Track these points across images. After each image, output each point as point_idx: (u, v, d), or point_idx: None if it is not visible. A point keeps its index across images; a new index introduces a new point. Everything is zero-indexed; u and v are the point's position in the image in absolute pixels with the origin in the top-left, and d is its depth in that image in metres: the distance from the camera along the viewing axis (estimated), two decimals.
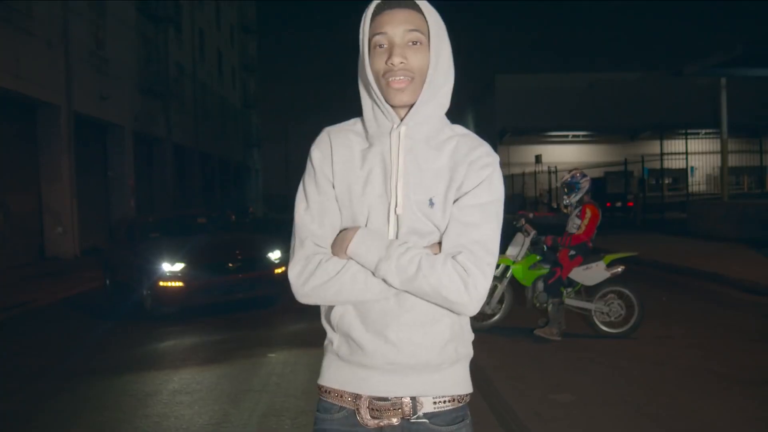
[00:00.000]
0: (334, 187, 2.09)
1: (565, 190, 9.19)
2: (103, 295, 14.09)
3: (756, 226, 18.97)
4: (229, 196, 52.42)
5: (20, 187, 21.28)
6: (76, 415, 6.66)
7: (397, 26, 1.97)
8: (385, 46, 1.99)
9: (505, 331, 9.34)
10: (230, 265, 11.65)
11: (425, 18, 2.00)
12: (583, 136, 55.85)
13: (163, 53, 35.48)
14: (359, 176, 2.07)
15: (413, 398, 2.03)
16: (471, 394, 2.17)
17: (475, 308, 1.96)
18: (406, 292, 1.96)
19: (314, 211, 2.08)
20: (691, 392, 6.64)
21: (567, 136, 55.76)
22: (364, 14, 2.02)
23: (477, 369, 7.50)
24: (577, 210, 8.99)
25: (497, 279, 9.31)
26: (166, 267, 11.24)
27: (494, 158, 2.08)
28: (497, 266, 9.29)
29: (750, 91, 41.11)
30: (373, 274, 1.96)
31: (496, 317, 9.48)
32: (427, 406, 2.04)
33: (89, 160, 25.89)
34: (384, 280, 1.95)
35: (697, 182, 32.54)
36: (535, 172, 42.86)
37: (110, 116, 27.23)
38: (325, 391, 2.13)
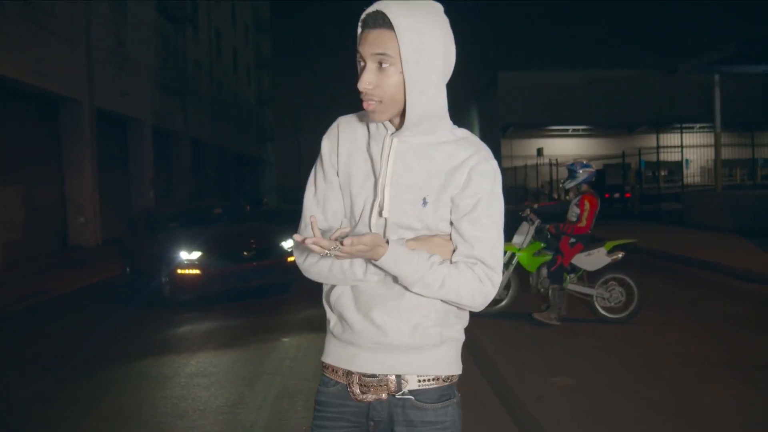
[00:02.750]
0: (338, 175, 2.12)
1: (567, 175, 9.25)
2: (124, 283, 14.10)
3: (748, 217, 18.91)
4: (243, 188, 52.53)
5: (44, 180, 21.33)
6: (98, 398, 6.67)
7: (366, 47, 1.92)
8: (362, 64, 1.95)
9: (509, 316, 9.32)
10: (245, 253, 11.65)
11: (397, 39, 1.88)
12: (583, 130, 55.84)
13: (181, 51, 35.51)
14: (361, 168, 2.09)
15: (398, 376, 2.05)
16: (459, 375, 2.16)
17: (480, 309, 2.06)
18: None
19: (319, 197, 2.14)
20: (686, 377, 6.61)
21: (567, 130, 55.74)
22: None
23: (480, 352, 7.52)
24: (576, 199, 8.97)
25: (503, 266, 9.31)
26: (184, 255, 11.25)
27: (495, 167, 2.06)
28: (504, 253, 9.30)
29: (743, 87, 40.99)
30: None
31: (504, 303, 9.48)
32: (412, 384, 2.06)
33: (110, 153, 25.95)
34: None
35: (691, 174, 32.51)
36: (536, 164, 42.75)
37: (130, 112, 27.31)
38: (325, 367, 2.18)
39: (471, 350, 7.69)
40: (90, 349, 8.83)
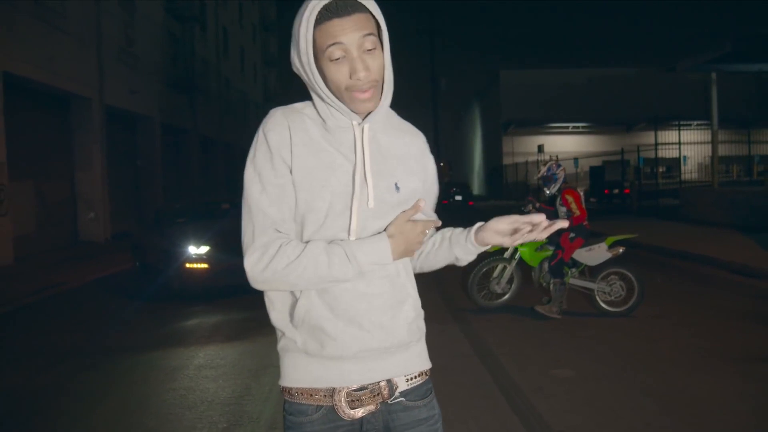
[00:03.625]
0: (291, 171, 1.91)
1: (542, 183, 9.18)
2: (133, 277, 14.10)
3: (744, 212, 18.89)
4: None
5: (55, 176, 21.38)
6: (107, 389, 6.69)
7: (351, 34, 1.80)
8: (341, 57, 1.82)
9: (510, 310, 9.33)
10: None
11: (375, 18, 1.85)
12: (583, 127, 55.85)
13: (189, 50, 35.50)
14: (321, 161, 1.91)
15: (389, 380, 1.96)
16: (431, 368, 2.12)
17: None
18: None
19: (272, 194, 1.91)
20: (683, 368, 6.61)
21: (567, 127, 55.74)
22: (304, 18, 1.82)
23: (482, 344, 7.54)
24: (558, 199, 8.96)
25: (507, 260, 9.34)
26: (192, 250, 11.26)
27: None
28: (507, 248, 9.35)
29: (739, 85, 40.95)
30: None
31: (506, 296, 9.49)
32: (402, 385, 1.98)
33: (120, 150, 25.97)
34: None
35: (689, 171, 32.39)
36: (537, 161, 42.71)
37: (139, 109, 27.33)
38: (294, 393, 1.98)
39: (473, 342, 7.71)
40: (100, 341, 8.85)
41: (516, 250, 9.32)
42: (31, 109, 19.90)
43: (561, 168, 9.11)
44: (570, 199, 8.79)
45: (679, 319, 8.80)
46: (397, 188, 1.96)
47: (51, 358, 8.02)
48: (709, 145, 24.09)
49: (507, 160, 53.96)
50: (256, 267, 1.86)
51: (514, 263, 9.36)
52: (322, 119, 1.95)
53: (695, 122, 38.67)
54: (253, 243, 1.89)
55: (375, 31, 1.85)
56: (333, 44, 1.81)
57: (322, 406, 1.94)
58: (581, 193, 8.97)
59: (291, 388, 1.99)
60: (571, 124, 55.43)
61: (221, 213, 14.08)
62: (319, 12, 1.80)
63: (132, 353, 8.01)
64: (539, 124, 54.44)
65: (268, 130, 1.94)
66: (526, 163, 45.57)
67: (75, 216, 22.61)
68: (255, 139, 1.99)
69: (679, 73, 39.33)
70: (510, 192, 50.03)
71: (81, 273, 15.16)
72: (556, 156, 9.91)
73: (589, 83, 52.36)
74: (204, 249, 11.28)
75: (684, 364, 6.78)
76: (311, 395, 1.94)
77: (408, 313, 1.98)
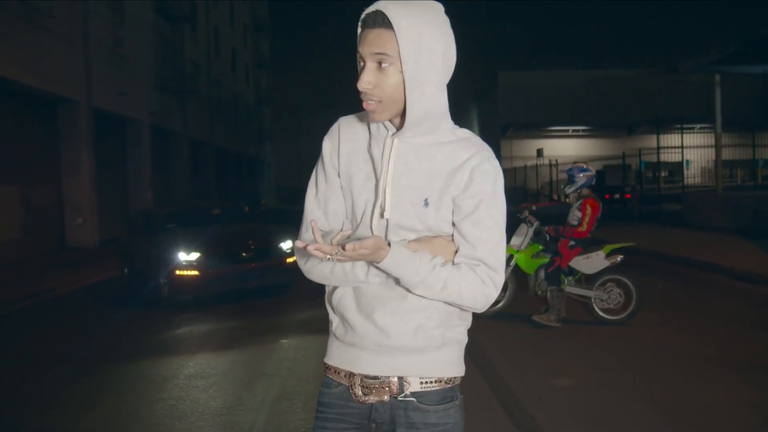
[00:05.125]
0: (339, 176, 2.13)
1: (566, 179, 9.28)
2: (122, 284, 14.10)
3: (749, 217, 18.91)
4: (242, 189, 52.49)
5: (42, 180, 21.34)
6: (96, 400, 6.68)
7: (366, 47, 1.92)
8: (362, 65, 1.95)
9: (507, 318, 9.33)
10: (244, 254, 11.65)
11: (396, 38, 1.88)
12: (583, 130, 55.87)
13: (179, 51, 35.53)
14: (361, 169, 2.08)
15: (400, 378, 2.06)
16: (462, 377, 2.17)
17: (482, 311, 2.06)
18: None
19: (320, 198, 2.15)
20: (686, 377, 6.62)
21: (567, 130, 55.77)
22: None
23: (480, 354, 7.53)
24: (578, 203, 8.98)
25: None
26: (183, 256, 11.26)
27: (497, 167, 2.05)
28: None
29: (743, 87, 41.00)
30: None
31: (501, 304, 9.48)
32: (414, 386, 2.06)
33: (108, 153, 25.92)
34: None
35: (692, 175, 32.53)
36: (536, 165, 42.73)
37: (128, 111, 27.30)
38: (327, 368, 2.19)
39: (471, 352, 7.68)
40: (88, 350, 8.84)
41: (511, 256, 9.33)
42: (16, 112, 19.89)
43: (585, 173, 9.09)
44: (588, 211, 8.80)
45: (682, 327, 8.82)
46: (426, 204, 2.00)
47: (38, 367, 8.00)
48: (713, 149, 24.10)
49: (505, 165, 53.85)
50: (301, 260, 2.13)
51: (509, 270, 9.35)
52: (370, 128, 2.11)
53: (698, 125, 38.80)
54: (300, 237, 2.12)
55: (391, 51, 1.90)
56: (357, 52, 1.97)
57: (341, 384, 2.14)
58: (600, 210, 8.95)
59: (326, 363, 2.21)
60: (571, 127, 55.46)
61: (212, 218, 14.07)
62: (362, 20, 1.96)
63: (121, 362, 8.00)
64: (538, 127, 54.46)
65: (325, 139, 2.18)
66: (525, 167, 45.55)
67: (62, 221, 22.55)
68: None
69: (681, 75, 39.44)
70: (509, 198, 49.42)
71: (68, 280, 15.13)
72: (585, 162, 9.93)
73: (589, 85, 52.39)
74: (194, 255, 11.27)
75: (687, 372, 6.79)
76: (337, 373, 2.15)
77: (427, 321, 2.03)
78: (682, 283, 12.36)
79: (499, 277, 2.01)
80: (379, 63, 1.91)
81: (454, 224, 2.03)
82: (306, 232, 2.12)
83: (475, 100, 66.24)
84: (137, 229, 13.93)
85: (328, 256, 1.85)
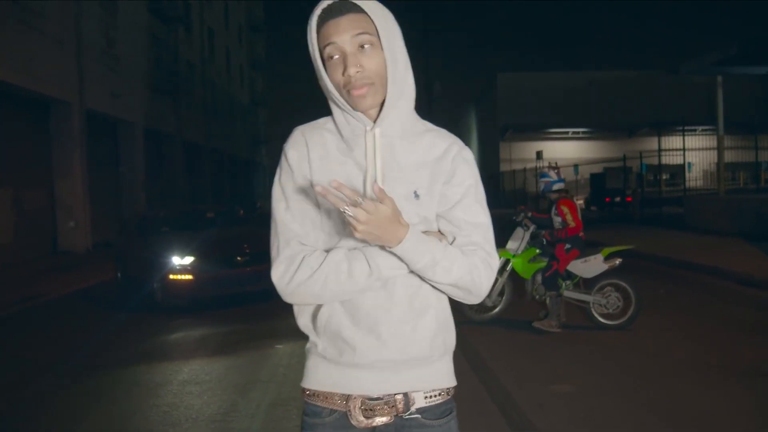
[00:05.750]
0: (312, 185, 2.00)
1: (544, 185, 9.27)
2: (115, 288, 14.10)
3: (751, 221, 18.92)
4: (237, 192, 52.49)
5: (34, 183, 21.33)
6: (88, 406, 6.68)
7: (343, 34, 1.89)
8: (337, 56, 1.92)
9: (505, 323, 9.34)
10: (238, 258, 11.65)
11: (371, 18, 1.91)
12: (583, 132, 55.96)
13: (173, 52, 35.54)
14: (339, 174, 1.99)
15: (405, 394, 1.99)
16: (455, 387, 2.13)
17: (483, 297, 2.02)
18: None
19: (295, 210, 2.03)
20: (687, 383, 6.63)
21: (567, 132, 55.85)
22: (308, 25, 1.95)
23: (478, 360, 7.53)
24: (554, 209, 9.00)
25: (498, 272, 9.33)
26: (176, 260, 11.26)
27: (472, 154, 2.10)
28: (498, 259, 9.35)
29: (746, 88, 41.06)
30: (410, 270, 1.93)
31: (497, 309, 9.50)
32: (419, 402, 2.01)
33: (101, 156, 25.96)
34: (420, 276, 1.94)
35: (694, 178, 32.45)
36: (536, 168, 42.75)
37: (121, 113, 27.30)
38: (313, 395, 2.06)
39: (469, 358, 7.71)
40: (81, 356, 8.83)
41: (508, 261, 9.33)
42: (7, 114, 19.87)
43: (541, 180, 9.22)
44: (565, 209, 8.82)
45: (683, 332, 8.83)
46: (417, 195, 1.99)
47: (30, 373, 8.00)
48: (715, 151, 24.09)
49: (504, 167, 53.96)
50: (283, 279, 2.00)
51: (505, 275, 9.35)
52: (339, 130, 2.04)
53: (700, 127, 38.87)
54: (279, 256, 2.03)
55: (371, 31, 1.91)
56: (328, 44, 1.91)
57: (336, 411, 2.01)
58: (577, 204, 9.01)
59: (310, 390, 2.07)
60: (571, 130, 55.54)
61: (206, 222, 14.09)
62: (318, 16, 1.92)
63: (114, 368, 7.99)
64: (538, 129, 54.53)
65: (288, 148, 2.07)
66: (524, 170, 45.58)
67: (54, 225, 22.54)
68: (280, 158, 2.11)
69: (683, 76, 39.47)
70: (508, 200, 50.04)
71: (61, 284, 15.12)
72: (555, 162, 9.96)
73: (589, 87, 52.47)
74: (188, 259, 11.28)
75: (688, 378, 6.80)
76: (327, 398, 2.02)
77: (429, 326, 2.00)
78: (683, 287, 12.36)
79: (496, 261, 2.02)
80: (362, 46, 1.91)
81: (440, 216, 2.03)
82: (287, 248, 2.01)
83: (473, 102, 66.31)
84: (130, 233, 13.94)
85: (345, 208, 1.72)
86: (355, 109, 1.97)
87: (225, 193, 47.45)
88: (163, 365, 8.06)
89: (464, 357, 7.72)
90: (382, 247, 1.89)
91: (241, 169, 57.24)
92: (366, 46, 1.91)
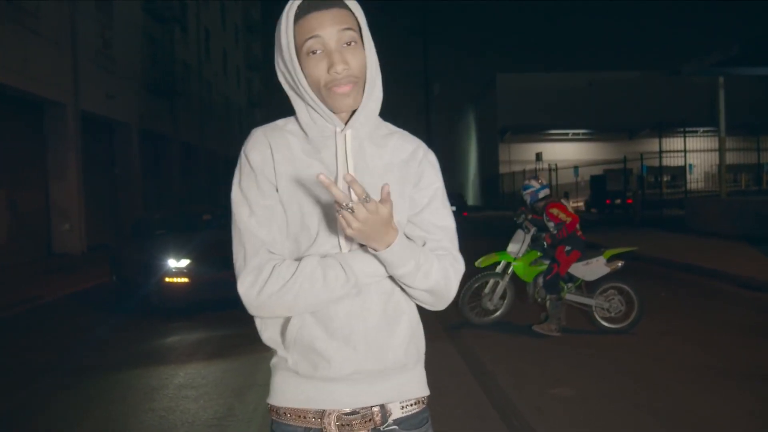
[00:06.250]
0: (277, 189, 1.92)
1: (530, 196, 9.34)
2: (110, 291, 14.09)
3: (753, 223, 18.95)
4: None
5: (28, 185, 21.31)
6: (84, 409, 6.67)
7: (328, 27, 1.82)
8: (319, 51, 1.83)
9: (505, 327, 9.34)
10: None
11: (354, 15, 1.87)
12: (583, 134, 56.04)
13: (169, 52, 35.50)
14: (306, 178, 1.91)
15: (382, 406, 1.93)
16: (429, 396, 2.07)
17: (448, 303, 1.99)
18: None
19: (260, 216, 1.92)
20: (689, 387, 6.63)
21: (567, 134, 55.93)
22: (284, 15, 1.86)
23: (478, 363, 7.53)
24: (545, 217, 9.01)
25: (499, 275, 9.35)
26: (172, 263, 11.26)
27: (435, 156, 2.09)
28: (499, 263, 9.40)
29: (747, 89, 41.14)
30: (390, 277, 1.89)
31: (498, 313, 9.50)
32: (396, 412, 1.95)
33: (96, 157, 25.93)
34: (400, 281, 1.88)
35: (695, 180, 32.53)
36: (535, 169, 42.83)
37: (117, 114, 27.29)
38: (282, 413, 1.97)
39: (467, 360, 7.71)
40: (76, 359, 8.83)
41: (509, 264, 9.34)
42: (1, 115, 19.86)
43: (525, 192, 9.40)
44: (554, 211, 8.85)
45: (685, 335, 8.83)
46: None
47: (24, 377, 7.99)
48: (716, 153, 24.15)
49: (504, 169, 54.05)
50: (251, 291, 1.87)
51: (506, 278, 9.36)
52: (305, 132, 1.96)
53: (702, 129, 38.92)
54: (246, 266, 1.90)
55: (355, 28, 1.87)
56: (311, 38, 1.83)
57: (310, 429, 1.93)
58: (564, 202, 9.07)
59: (279, 408, 1.98)
60: (571, 131, 55.62)
61: (202, 224, 14.08)
62: (298, 8, 1.84)
63: (109, 372, 7.99)
64: (537, 130, 54.59)
65: (249, 150, 1.96)
66: (524, 171, 45.63)
67: (49, 227, 22.51)
68: (238, 161, 2.00)
69: (684, 77, 39.55)
70: (507, 202, 50.06)
71: (55, 287, 15.12)
72: (534, 169, 10.05)
73: (589, 87, 52.60)
74: (184, 262, 11.27)
75: (690, 382, 6.80)
76: (300, 416, 1.93)
77: (403, 333, 1.94)
78: (684, 290, 12.36)
79: (462, 267, 1.99)
80: (347, 43, 1.85)
81: (408, 220, 2.00)
82: (255, 257, 1.89)
83: (472, 103, 66.38)
84: (126, 235, 13.93)
85: (348, 202, 1.63)
86: (331, 108, 1.89)
87: (221, 194, 47.42)
88: (159, 369, 8.05)
89: (464, 360, 7.72)
90: (358, 253, 1.85)
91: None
92: (351, 43, 1.85)
